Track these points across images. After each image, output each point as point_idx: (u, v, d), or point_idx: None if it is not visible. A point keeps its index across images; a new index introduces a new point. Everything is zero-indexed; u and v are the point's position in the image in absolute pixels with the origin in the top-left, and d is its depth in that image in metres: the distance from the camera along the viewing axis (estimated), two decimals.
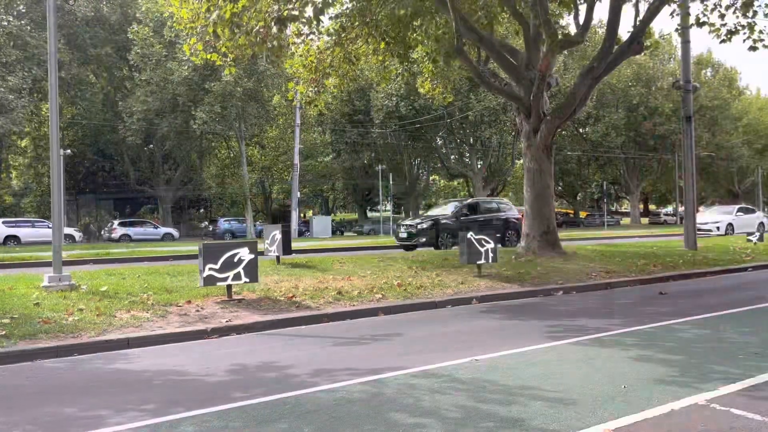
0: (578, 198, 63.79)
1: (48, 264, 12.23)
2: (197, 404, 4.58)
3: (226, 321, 7.86)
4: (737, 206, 29.80)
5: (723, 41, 14.12)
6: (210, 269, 8.64)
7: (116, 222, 38.13)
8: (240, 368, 5.77)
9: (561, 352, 6.13)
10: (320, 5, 11.44)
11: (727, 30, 14.11)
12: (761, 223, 28.06)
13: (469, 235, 11.45)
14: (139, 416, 4.35)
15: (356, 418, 4.16)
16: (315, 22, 11.60)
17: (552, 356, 5.93)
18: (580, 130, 52.06)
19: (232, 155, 44.15)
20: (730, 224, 27.55)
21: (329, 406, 4.45)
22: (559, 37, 13.27)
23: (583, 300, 10.12)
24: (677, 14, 15.25)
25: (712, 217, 28.77)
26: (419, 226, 19.33)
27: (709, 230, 27.23)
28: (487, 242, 11.57)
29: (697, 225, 22.53)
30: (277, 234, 12.28)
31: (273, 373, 5.57)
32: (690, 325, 7.50)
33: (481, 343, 6.62)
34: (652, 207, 79.56)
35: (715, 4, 14.13)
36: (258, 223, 43.57)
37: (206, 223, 45.57)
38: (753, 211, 30.44)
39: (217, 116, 33.74)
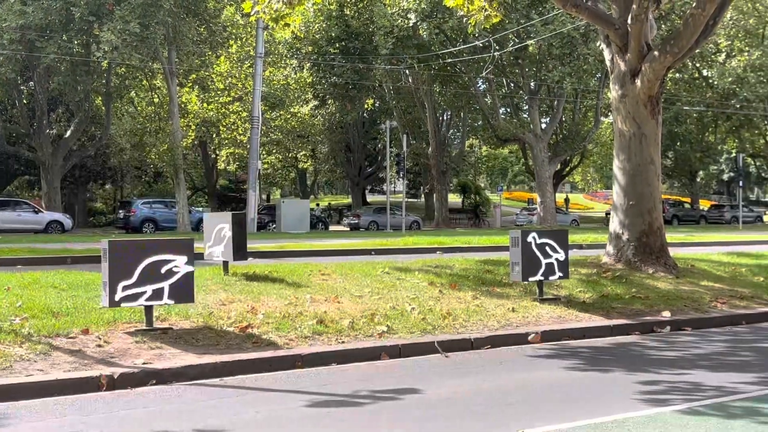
0: (698, 179, 63.58)
1: None
2: None
3: (143, 363, 7.90)
4: None
5: None
6: (120, 282, 8.67)
7: None
8: None
9: (665, 425, 6.15)
10: None
11: None
12: None
13: (529, 238, 11.40)
14: None
15: None
16: None
17: None
18: (704, 72, 51.70)
19: (156, 101, 44.18)
20: None
21: None
22: None
23: (702, 341, 10.12)
24: None
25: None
26: None
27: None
28: (555, 250, 11.54)
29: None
30: (226, 228, 12.29)
31: None
32: None
33: (538, 409, 6.65)
34: None
35: None
36: (195, 208, 43.68)
37: (115, 206, 45.75)
38: None
39: (135, 39, 33.67)
